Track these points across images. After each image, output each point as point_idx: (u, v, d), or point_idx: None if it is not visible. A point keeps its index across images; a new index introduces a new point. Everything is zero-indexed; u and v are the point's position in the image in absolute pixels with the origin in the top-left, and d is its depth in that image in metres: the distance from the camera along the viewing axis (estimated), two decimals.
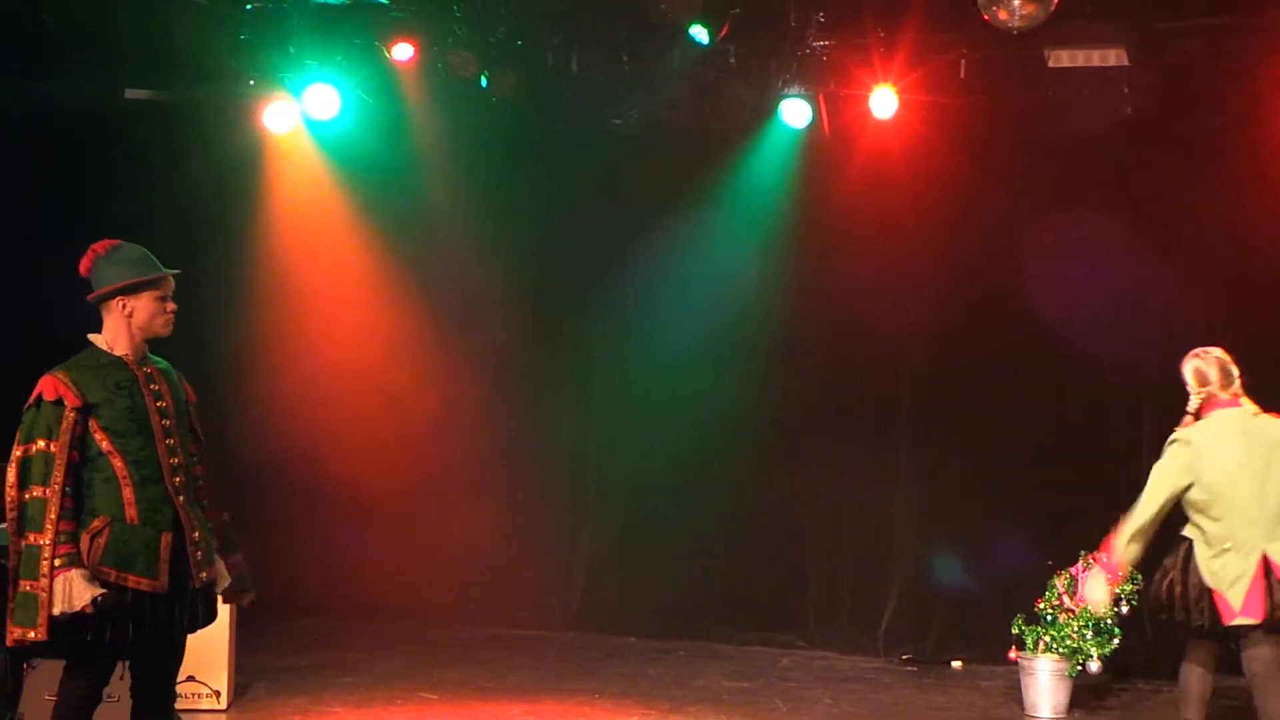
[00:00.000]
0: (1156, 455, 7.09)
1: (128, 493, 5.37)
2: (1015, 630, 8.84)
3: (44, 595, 5.23)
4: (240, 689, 8.60)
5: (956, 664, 10.11)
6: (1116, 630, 8.66)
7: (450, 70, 10.05)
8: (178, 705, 7.53)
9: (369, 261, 11.32)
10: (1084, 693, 8.84)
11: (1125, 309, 9.86)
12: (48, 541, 5.26)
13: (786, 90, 9.94)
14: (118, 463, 5.37)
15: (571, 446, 11.04)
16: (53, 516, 5.27)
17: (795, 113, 10.08)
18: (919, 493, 10.43)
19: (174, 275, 5.71)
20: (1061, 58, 9.53)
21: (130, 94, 10.46)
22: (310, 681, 9.12)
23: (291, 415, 11.04)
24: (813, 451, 10.68)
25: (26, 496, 5.29)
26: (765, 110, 10.21)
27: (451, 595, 11.12)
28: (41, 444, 5.32)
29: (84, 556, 5.28)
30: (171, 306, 5.68)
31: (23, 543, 5.29)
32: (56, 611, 5.23)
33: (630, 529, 11.02)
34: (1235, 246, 9.59)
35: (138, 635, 5.40)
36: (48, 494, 5.27)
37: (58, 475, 5.28)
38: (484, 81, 10.15)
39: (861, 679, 9.73)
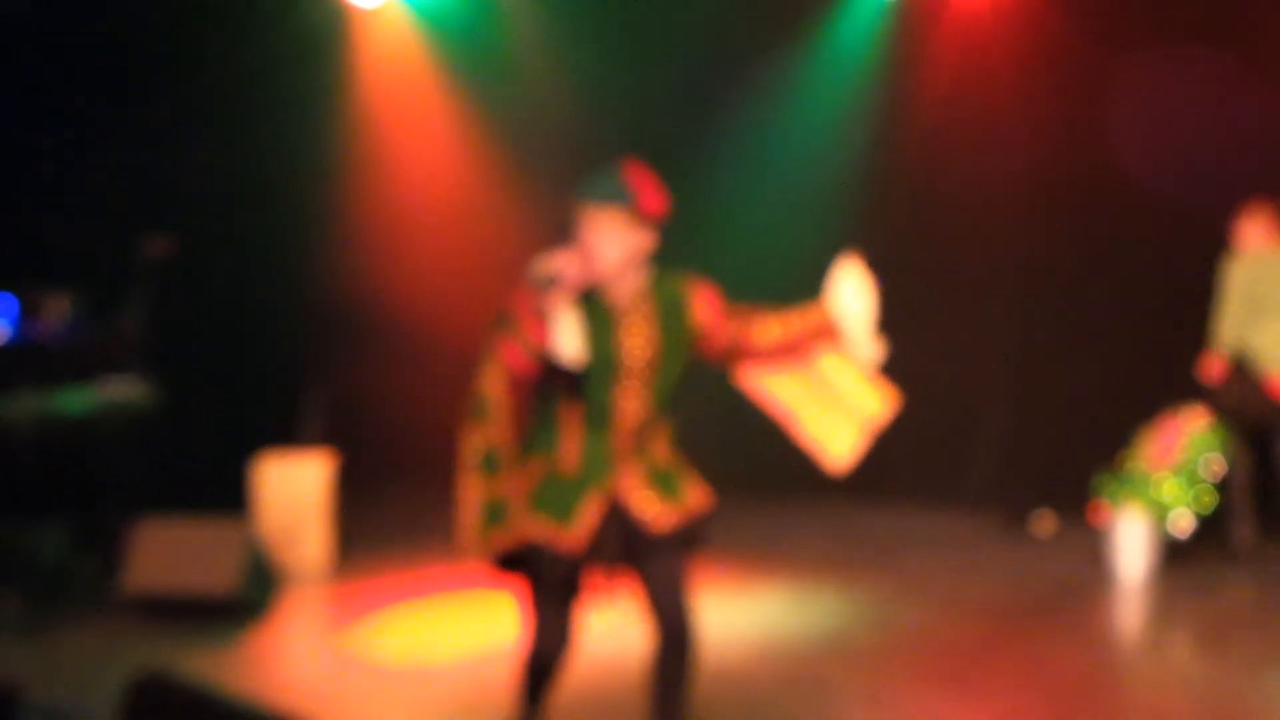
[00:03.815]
0: None
1: (570, 442, 4.86)
2: (1103, 489, 8.85)
3: (515, 497, 4.82)
4: (340, 546, 8.80)
5: (1044, 523, 10.15)
6: (1206, 487, 8.66)
7: None
8: (279, 562, 7.83)
9: (459, 125, 11.37)
10: (1172, 549, 8.86)
11: (1245, 182, 9.72)
12: (501, 436, 4.81)
13: None
14: (570, 403, 4.84)
15: None
16: (501, 409, 4.79)
17: None
18: (1009, 352, 10.43)
19: (591, 205, 4.83)
20: None
21: None
22: (409, 539, 9.32)
23: (389, 275, 11.17)
24: (904, 313, 10.66)
25: (481, 389, 4.82)
26: None
27: None
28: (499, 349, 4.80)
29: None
30: (591, 243, 4.81)
31: (478, 439, 4.85)
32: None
33: (720, 386, 11.07)
34: None
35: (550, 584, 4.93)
36: (492, 389, 4.79)
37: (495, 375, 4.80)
38: None
39: (949, 537, 9.80)
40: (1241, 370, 8.82)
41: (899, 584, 8.42)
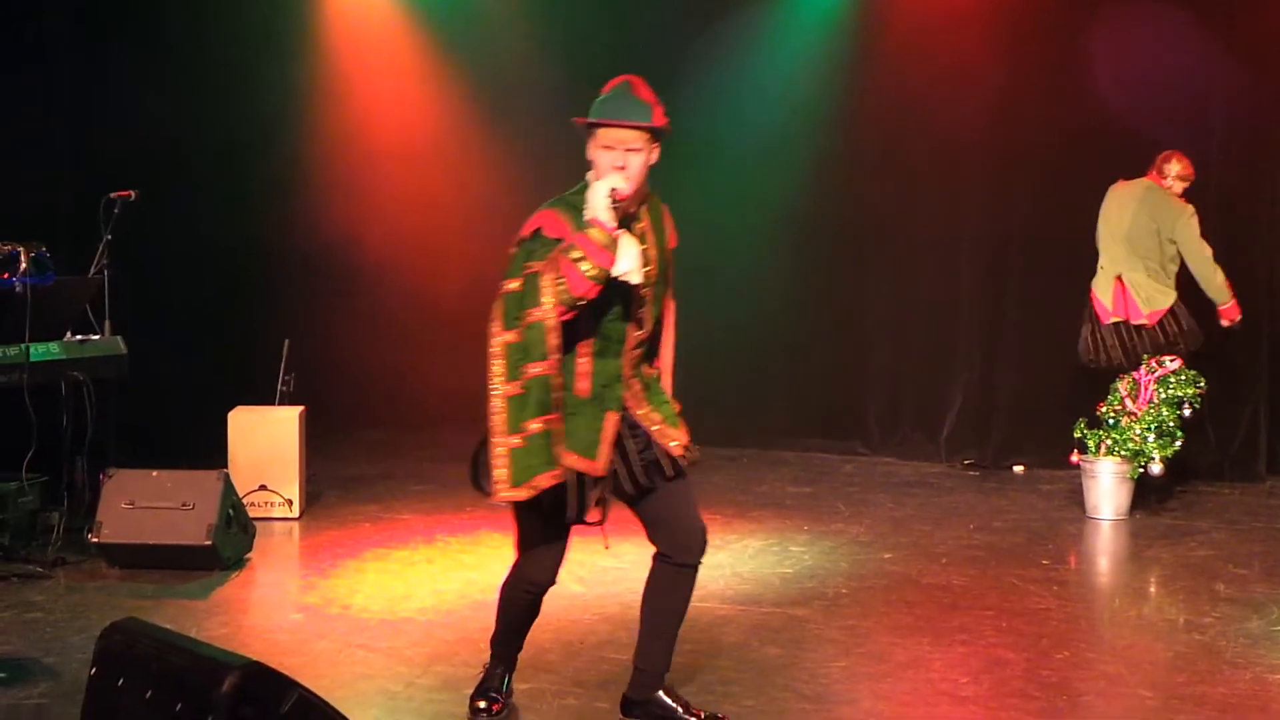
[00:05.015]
0: (1221, 263, 8.67)
1: (583, 363, 4.77)
2: (1077, 434, 8.87)
3: (560, 428, 4.68)
4: (312, 497, 8.81)
5: (1018, 468, 10.18)
6: (1179, 433, 8.68)
7: None
8: (251, 514, 7.81)
9: (430, 75, 11.30)
10: (1145, 495, 8.90)
11: (1188, 109, 9.79)
12: (555, 371, 4.64)
13: None
14: (584, 331, 4.74)
15: None
16: (555, 344, 4.62)
17: None
18: (982, 300, 10.43)
19: (617, 126, 4.75)
20: None
21: None
22: (380, 490, 9.31)
23: (359, 226, 11.10)
24: (877, 261, 10.69)
25: (528, 321, 4.63)
26: None
27: None
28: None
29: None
30: (620, 165, 4.73)
31: (524, 377, 4.64)
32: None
33: (693, 338, 10.96)
34: None
35: (569, 514, 4.82)
36: (546, 321, 4.60)
37: (552, 308, 4.61)
38: None
39: (923, 484, 9.83)
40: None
41: (874, 530, 8.43)
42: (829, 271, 10.74)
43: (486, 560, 7.64)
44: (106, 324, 8.04)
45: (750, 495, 9.37)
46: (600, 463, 4.80)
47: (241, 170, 10.56)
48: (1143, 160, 9.05)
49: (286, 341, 9.08)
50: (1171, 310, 8.77)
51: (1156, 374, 8.71)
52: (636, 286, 4.77)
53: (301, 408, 8.73)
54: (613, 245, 4.63)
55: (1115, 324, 8.83)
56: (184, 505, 7.28)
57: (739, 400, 10.93)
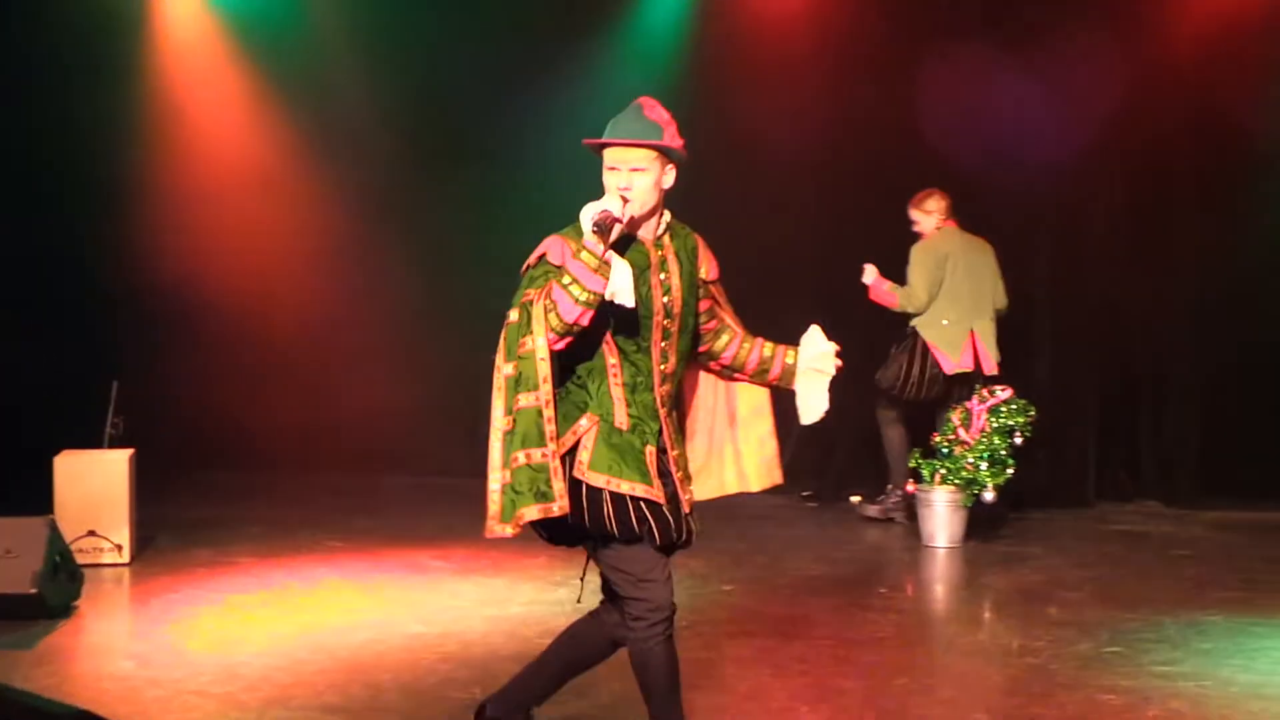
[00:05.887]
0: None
1: (619, 393, 4.62)
2: (913, 464, 8.99)
3: (556, 464, 4.48)
4: (143, 542, 8.60)
5: (856, 499, 10.28)
6: (1010, 461, 8.84)
7: None
8: (80, 561, 7.61)
9: (260, 107, 11.18)
10: (979, 522, 9.04)
11: (1018, 137, 10.01)
12: (546, 402, 4.48)
13: None
14: (612, 359, 4.63)
15: (469, 294, 10.88)
16: (546, 374, 4.47)
17: None
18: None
19: (619, 145, 4.65)
20: None
21: None
22: (214, 533, 9.12)
23: (189, 262, 10.92)
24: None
25: (520, 352, 4.47)
26: None
27: (358, 445, 11.12)
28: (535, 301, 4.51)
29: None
30: (623, 185, 4.61)
31: (515, 409, 4.48)
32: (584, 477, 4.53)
33: None
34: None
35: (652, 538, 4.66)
36: (537, 352, 4.45)
37: (543, 335, 4.47)
38: None
39: (764, 516, 9.86)
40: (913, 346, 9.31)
41: (714, 562, 8.42)
42: None
43: (324, 603, 7.53)
44: None
45: None
46: (656, 488, 4.63)
47: (67, 203, 10.34)
48: (968, 191, 9.24)
49: (115, 383, 8.88)
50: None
51: (988, 403, 8.86)
52: (633, 315, 4.60)
53: (131, 450, 8.54)
54: (603, 269, 4.48)
55: (961, 374, 9.16)
56: (7, 553, 7.07)
57: None
